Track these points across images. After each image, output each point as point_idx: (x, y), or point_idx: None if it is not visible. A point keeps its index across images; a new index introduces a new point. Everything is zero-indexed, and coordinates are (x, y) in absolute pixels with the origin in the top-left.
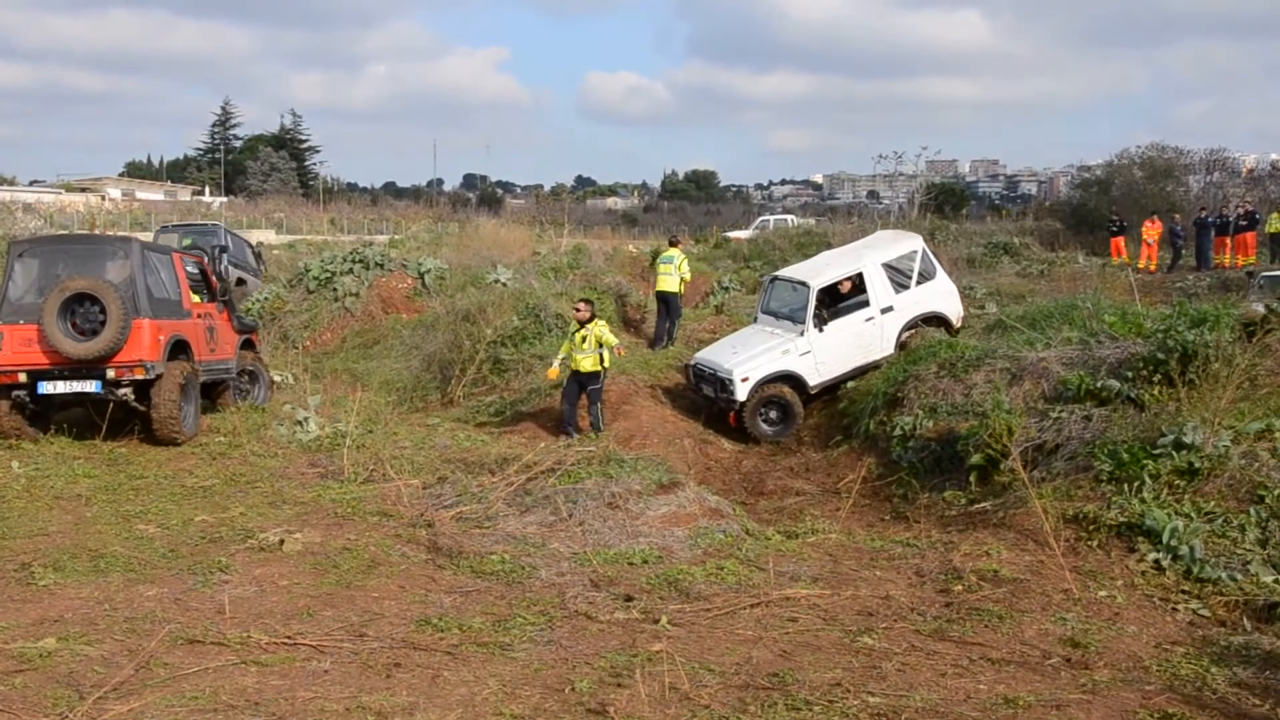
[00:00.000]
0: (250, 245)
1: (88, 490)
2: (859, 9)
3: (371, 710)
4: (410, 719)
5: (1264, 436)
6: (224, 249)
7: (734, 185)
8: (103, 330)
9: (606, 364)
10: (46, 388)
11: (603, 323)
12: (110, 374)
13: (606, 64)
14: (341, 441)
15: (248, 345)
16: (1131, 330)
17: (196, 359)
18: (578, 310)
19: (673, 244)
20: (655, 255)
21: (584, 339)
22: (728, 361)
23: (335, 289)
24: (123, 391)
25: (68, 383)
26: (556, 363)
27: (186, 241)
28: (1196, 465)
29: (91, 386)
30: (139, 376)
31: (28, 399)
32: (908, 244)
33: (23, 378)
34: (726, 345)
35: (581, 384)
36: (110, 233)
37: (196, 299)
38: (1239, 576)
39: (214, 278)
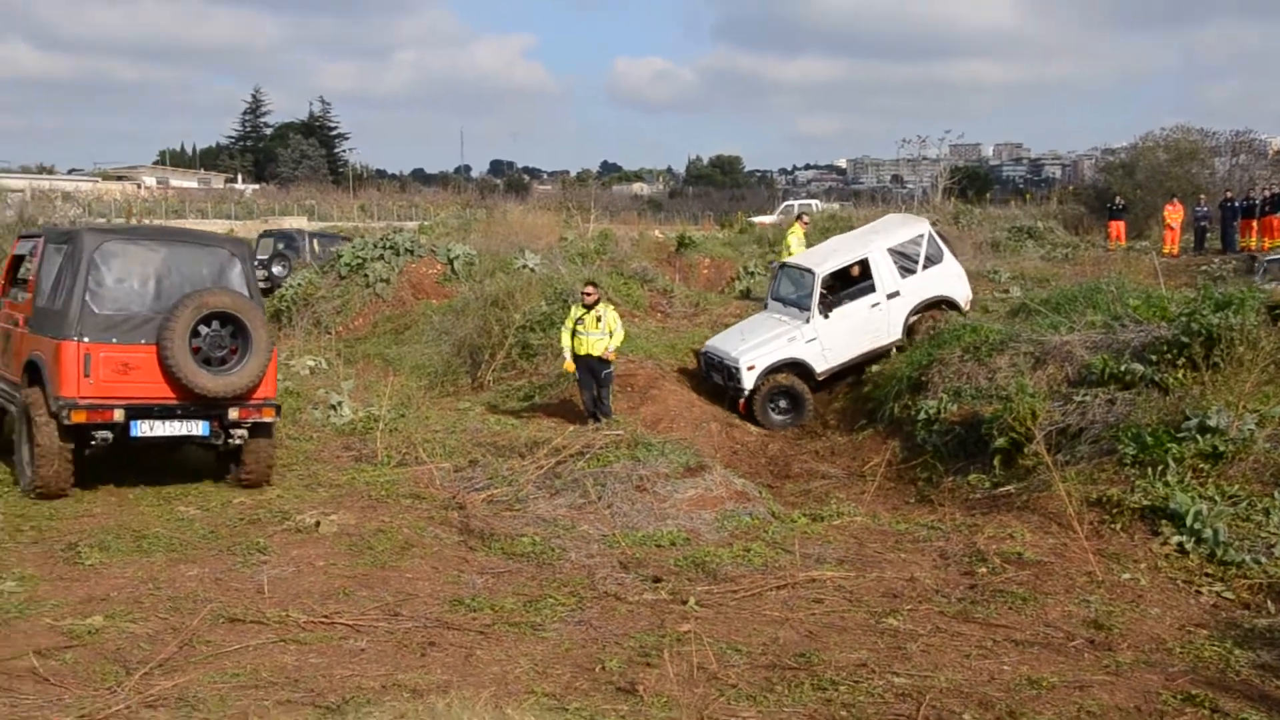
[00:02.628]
0: (346, 238)
1: (129, 473)
2: None
3: (407, 687)
4: (445, 696)
5: None
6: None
7: (758, 170)
8: (241, 360)
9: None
10: (142, 429)
11: (612, 308)
12: (233, 414)
13: (634, 49)
14: (374, 425)
15: None
16: (1155, 313)
17: None
18: (586, 294)
19: (797, 219)
20: (681, 240)
21: (599, 320)
22: (735, 349)
23: (367, 275)
24: (239, 434)
25: (171, 424)
26: (568, 355)
27: (281, 245)
28: (1221, 449)
29: (198, 429)
30: (267, 419)
31: (109, 442)
32: (914, 228)
33: (119, 416)
34: (735, 332)
35: (593, 369)
36: (144, 221)
37: None
38: (1263, 560)
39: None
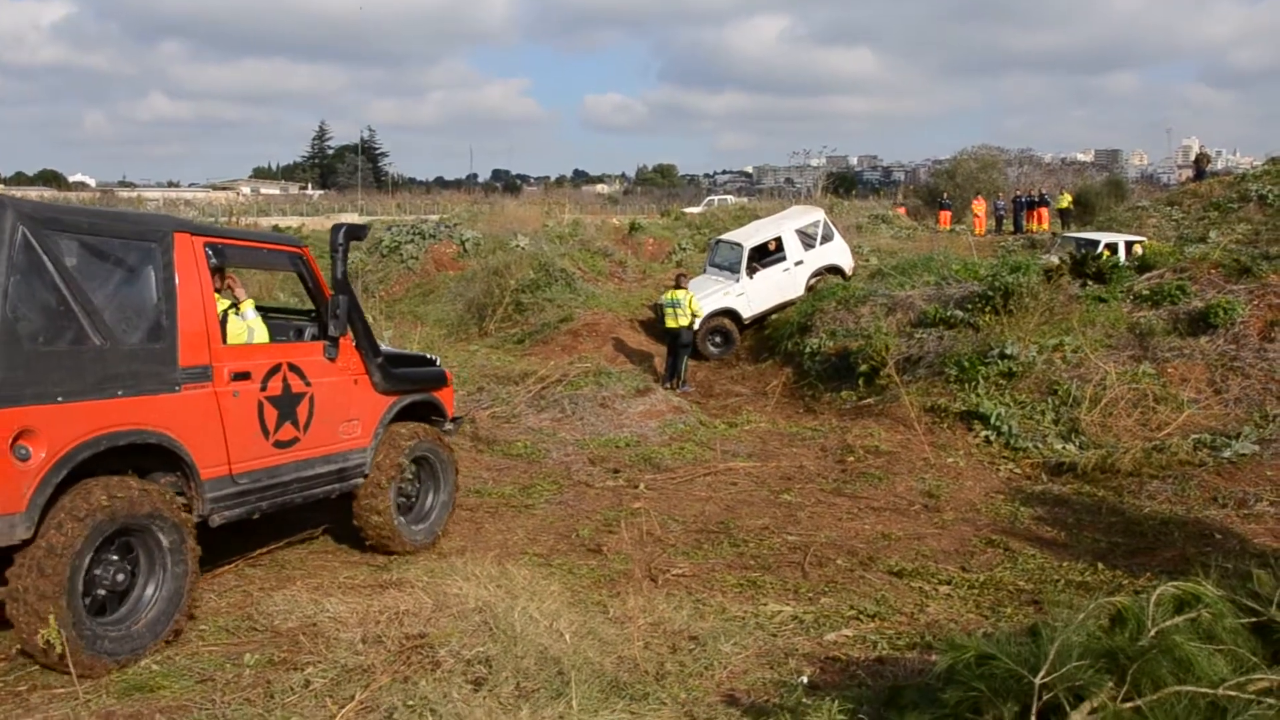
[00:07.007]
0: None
1: None
2: (786, 48)
3: (435, 551)
4: (462, 557)
5: (1057, 349)
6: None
7: (688, 174)
8: None
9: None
10: None
11: (690, 293)
12: None
13: (599, 88)
14: None
15: (414, 413)
16: (970, 275)
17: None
18: (681, 277)
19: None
20: (632, 225)
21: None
22: None
23: (401, 254)
24: None
25: None
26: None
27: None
28: (1014, 369)
29: None
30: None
31: None
32: (813, 215)
33: None
34: None
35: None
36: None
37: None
38: (1040, 445)
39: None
